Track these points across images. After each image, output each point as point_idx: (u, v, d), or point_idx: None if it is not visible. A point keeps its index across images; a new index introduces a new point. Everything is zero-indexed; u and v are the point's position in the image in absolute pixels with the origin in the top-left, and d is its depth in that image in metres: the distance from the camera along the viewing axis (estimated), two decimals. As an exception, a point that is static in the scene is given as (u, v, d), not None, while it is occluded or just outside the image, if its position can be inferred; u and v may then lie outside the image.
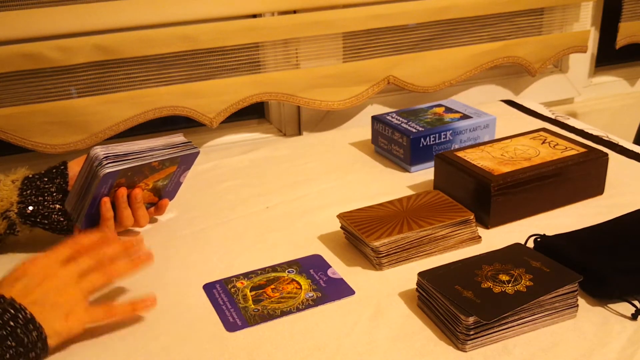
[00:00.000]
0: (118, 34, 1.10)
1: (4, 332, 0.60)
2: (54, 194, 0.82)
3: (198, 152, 0.88)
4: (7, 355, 0.60)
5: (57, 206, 0.82)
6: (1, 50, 1.04)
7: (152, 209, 0.91)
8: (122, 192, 0.83)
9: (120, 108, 1.14)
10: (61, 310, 0.65)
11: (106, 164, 0.78)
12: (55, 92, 1.13)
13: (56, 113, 1.10)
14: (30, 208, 0.81)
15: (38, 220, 0.82)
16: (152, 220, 0.93)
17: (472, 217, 0.82)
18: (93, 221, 0.84)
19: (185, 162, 0.88)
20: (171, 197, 0.94)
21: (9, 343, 0.60)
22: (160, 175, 0.87)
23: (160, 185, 0.89)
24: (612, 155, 1.02)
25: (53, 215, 0.82)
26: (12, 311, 0.62)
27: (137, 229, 0.90)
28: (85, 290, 0.68)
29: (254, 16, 1.22)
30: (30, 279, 0.66)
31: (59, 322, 0.65)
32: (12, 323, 0.61)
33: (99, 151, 0.79)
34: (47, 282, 0.66)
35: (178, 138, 0.87)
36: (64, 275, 0.67)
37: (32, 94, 1.12)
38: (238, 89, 1.21)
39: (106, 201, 0.82)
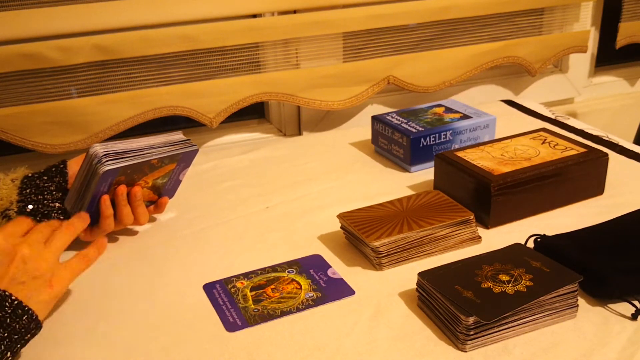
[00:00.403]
0: (118, 34, 1.10)
1: None
2: (54, 193, 0.82)
3: (197, 150, 0.88)
4: (2, 347, 0.59)
5: (57, 205, 0.82)
6: (1, 50, 1.04)
7: (151, 207, 0.91)
8: (122, 189, 0.83)
9: (120, 108, 1.14)
10: (43, 279, 0.64)
11: (106, 161, 0.78)
12: (55, 92, 1.13)
13: (56, 113, 1.10)
14: (30, 207, 0.81)
15: (38, 218, 0.81)
16: (152, 219, 0.93)
17: (472, 217, 0.82)
18: (93, 219, 0.83)
19: (185, 159, 0.88)
20: (171, 195, 0.93)
21: (0, 334, 0.59)
22: (160, 173, 0.87)
23: (160, 183, 0.89)
24: (612, 155, 1.02)
25: (53, 214, 0.82)
26: None
27: (136, 227, 0.90)
28: (56, 251, 0.68)
29: (254, 16, 1.22)
30: None
31: (44, 293, 0.64)
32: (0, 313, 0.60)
33: (99, 149, 0.79)
34: (18, 257, 0.64)
35: (177, 136, 0.87)
36: (31, 244, 0.66)
37: (32, 94, 1.12)
38: (238, 89, 1.20)
39: (106, 199, 0.82)
